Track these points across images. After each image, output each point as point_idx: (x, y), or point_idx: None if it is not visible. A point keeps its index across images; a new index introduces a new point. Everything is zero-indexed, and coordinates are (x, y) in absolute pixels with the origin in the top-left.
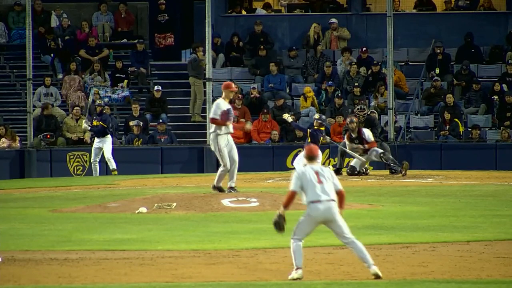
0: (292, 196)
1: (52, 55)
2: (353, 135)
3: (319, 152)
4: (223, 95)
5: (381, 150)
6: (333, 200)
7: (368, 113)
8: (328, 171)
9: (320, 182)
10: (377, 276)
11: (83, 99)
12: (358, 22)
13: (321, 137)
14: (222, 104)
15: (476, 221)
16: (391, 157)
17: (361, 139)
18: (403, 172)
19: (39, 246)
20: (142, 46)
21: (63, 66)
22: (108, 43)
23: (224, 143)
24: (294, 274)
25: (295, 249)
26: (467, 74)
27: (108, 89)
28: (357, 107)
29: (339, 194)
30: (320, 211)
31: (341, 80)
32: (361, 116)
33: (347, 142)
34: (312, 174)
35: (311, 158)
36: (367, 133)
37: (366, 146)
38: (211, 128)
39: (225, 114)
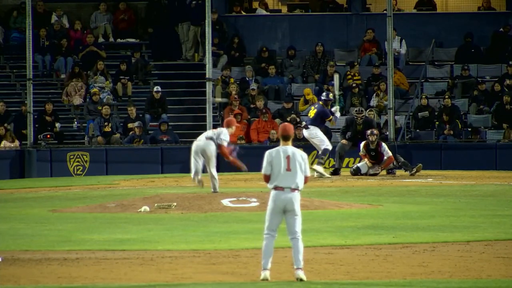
0: (267, 179)
1: (48, 54)
2: (371, 147)
3: (293, 131)
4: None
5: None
6: (297, 190)
7: (366, 114)
8: (300, 155)
9: (289, 169)
10: (300, 280)
11: (82, 100)
12: (358, 22)
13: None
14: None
15: (476, 221)
16: (402, 160)
17: (378, 152)
18: (413, 172)
19: (39, 246)
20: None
21: (65, 66)
22: (108, 42)
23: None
24: (261, 274)
25: (264, 248)
26: (468, 75)
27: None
28: (355, 109)
29: (305, 180)
30: (281, 199)
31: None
32: (359, 118)
33: (362, 151)
34: (283, 159)
35: (285, 137)
36: (385, 146)
37: (386, 159)
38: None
39: (231, 150)
